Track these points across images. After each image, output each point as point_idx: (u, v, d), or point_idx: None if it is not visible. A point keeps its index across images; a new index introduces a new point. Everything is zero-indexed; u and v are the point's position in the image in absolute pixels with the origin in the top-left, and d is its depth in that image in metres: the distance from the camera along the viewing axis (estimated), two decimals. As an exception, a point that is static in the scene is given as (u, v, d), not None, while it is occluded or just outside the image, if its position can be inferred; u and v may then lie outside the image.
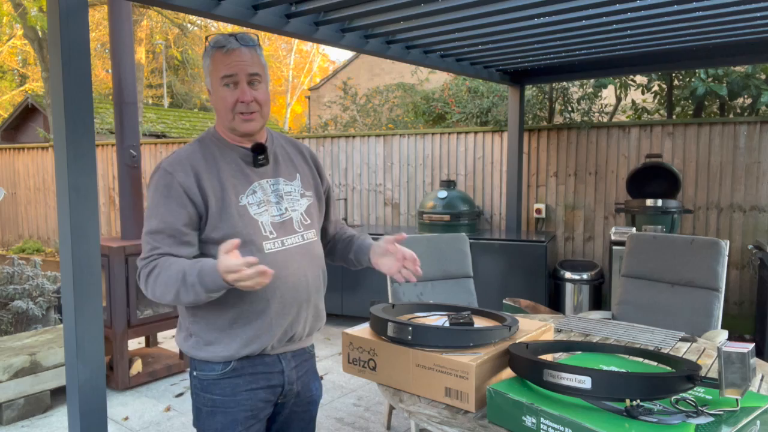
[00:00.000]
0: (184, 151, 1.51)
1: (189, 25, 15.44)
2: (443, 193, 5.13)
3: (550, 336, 1.94)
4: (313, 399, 1.69)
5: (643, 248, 3.05)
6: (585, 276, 4.73)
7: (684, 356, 2.08)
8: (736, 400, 1.36)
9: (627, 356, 1.83)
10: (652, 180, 4.67)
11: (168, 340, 4.73)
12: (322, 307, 1.66)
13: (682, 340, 2.30)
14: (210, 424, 1.51)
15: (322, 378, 3.89)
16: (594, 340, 2.20)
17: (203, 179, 1.45)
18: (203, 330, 1.49)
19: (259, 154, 1.52)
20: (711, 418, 1.33)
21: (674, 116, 5.81)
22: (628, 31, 3.49)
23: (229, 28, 13.29)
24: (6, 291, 4.23)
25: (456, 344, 1.67)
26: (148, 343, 4.37)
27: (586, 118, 5.59)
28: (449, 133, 5.91)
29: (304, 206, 1.60)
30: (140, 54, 11.29)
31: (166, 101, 22.09)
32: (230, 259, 1.27)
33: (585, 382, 1.34)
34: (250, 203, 1.49)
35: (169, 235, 1.42)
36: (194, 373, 1.52)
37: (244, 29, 2.85)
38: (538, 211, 5.48)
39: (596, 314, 3.07)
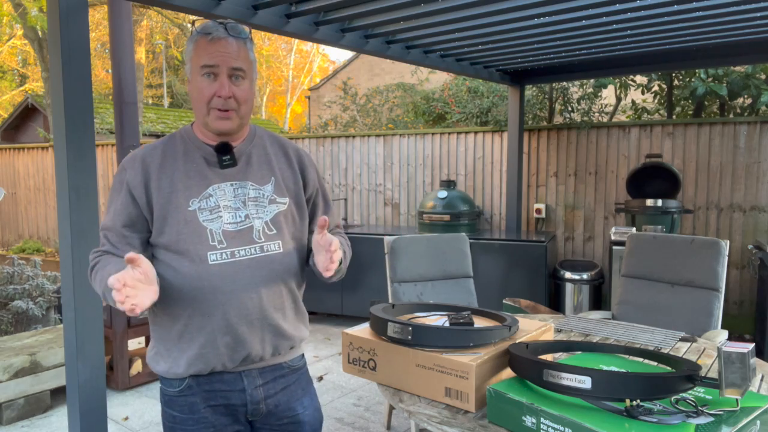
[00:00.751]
0: (147, 147, 1.43)
1: (189, 25, 15.45)
2: (443, 193, 5.13)
3: (550, 336, 1.94)
4: (299, 419, 1.50)
5: (643, 248, 3.05)
6: (585, 276, 4.73)
7: (684, 356, 2.08)
8: (736, 400, 1.36)
9: (627, 356, 1.83)
10: (652, 180, 4.67)
11: (168, 340, 4.74)
12: (287, 327, 1.45)
13: (682, 340, 2.30)
14: None
15: (321, 378, 3.88)
16: (594, 340, 2.20)
17: (152, 180, 1.36)
18: (158, 341, 1.42)
19: (223, 154, 1.39)
20: (711, 418, 1.33)
21: (674, 116, 5.81)
22: (628, 31, 3.49)
23: (229, 28, 13.28)
24: (6, 291, 4.23)
25: (456, 344, 1.67)
26: (148, 343, 4.37)
27: (586, 118, 5.59)
28: (449, 133, 5.91)
29: (271, 214, 1.42)
30: (140, 54, 11.29)
31: (166, 101, 22.09)
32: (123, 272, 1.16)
33: (585, 382, 1.34)
34: (201, 208, 1.36)
35: (114, 234, 1.37)
36: (160, 386, 1.46)
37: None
38: (538, 211, 5.48)
39: (596, 314, 3.07)
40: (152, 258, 1.38)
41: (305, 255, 1.52)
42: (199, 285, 1.34)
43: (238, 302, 1.36)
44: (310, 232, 1.54)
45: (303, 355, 1.59)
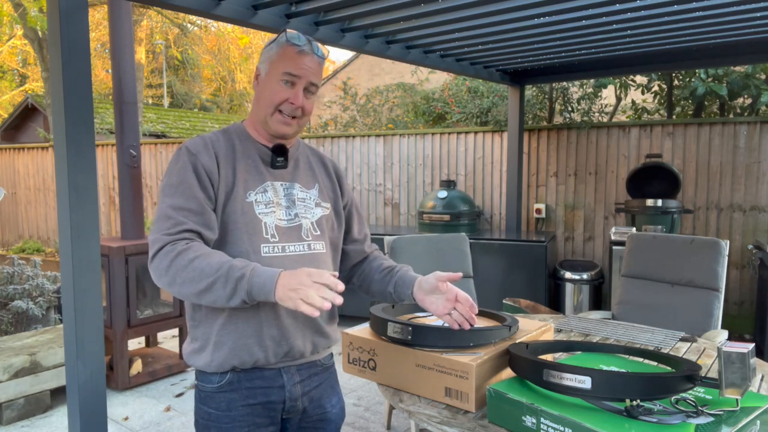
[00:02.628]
0: (207, 136, 1.44)
1: (189, 25, 15.43)
2: (443, 193, 5.13)
3: (550, 336, 1.94)
4: (327, 417, 1.54)
5: (643, 248, 3.05)
6: (585, 276, 4.73)
7: (684, 356, 2.08)
8: (736, 400, 1.36)
9: (627, 356, 1.83)
10: (652, 180, 4.67)
11: (168, 340, 4.73)
12: (325, 326, 1.51)
13: (682, 340, 2.30)
14: None
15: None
16: (594, 340, 2.20)
17: (221, 166, 1.39)
18: (200, 334, 1.40)
19: (278, 155, 1.46)
20: (711, 418, 1.33)
21: (674, 116, 5.81)
22: (628, 31, 3.49)
23: (229, 27, 13.28)
24: (6, 291, 4.23)
25: (456, 344, 1.67)
26: (148, 343, 4.37)
27: (586, 118, 5.59)
28: (449, 133, 5.91)
29: (317, 216, 1.49)
30: (140, 54, 11.29)
31: (166, 101, 22.09)
32: (313, 269, 1.21)
33: (585, 382, 1.34)
34: (257, 201, 1.41)
35: (195, 213, 1.33)
36: (196, 382, 1.45)
37: (244, 29, 2.85)
38: (538, 211, 5.48)
39: (596, 314, 3.07)
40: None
41: (339, 261, 1.62)
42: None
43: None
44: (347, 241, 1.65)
45: (332, 354, 1.64)
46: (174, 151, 7.54)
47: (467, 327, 1.52)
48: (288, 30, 1.43)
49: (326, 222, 1.52)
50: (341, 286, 1.21)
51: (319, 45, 1.45)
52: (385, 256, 1.77)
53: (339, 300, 1.19)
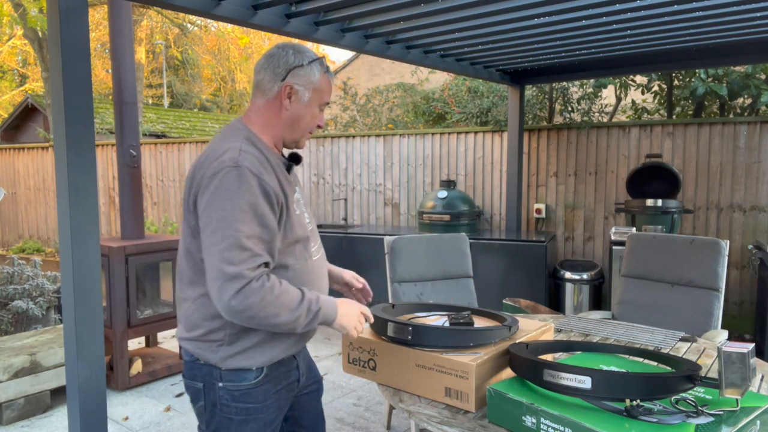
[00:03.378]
0: (250, 151, 1.40)
1: (189, 25, 15.44)
2: (443, 193, 5.13)
3: (550, 336, 1.94)
4: (317, 378, 1.74)
5: (643, 248, 3.05)
6: (585, 276, 4.73)
7: (684, 356, 2.08)
8: (736, 400, 1.36)
9: (627, 356, 1.83)
10: (652, 180, 4.67)
11: (168, 340, 4.73)
12: None
13: (682, 340, 2.30)
14: (243, 431, 1.47)
15: (322, 378, 3.88)
16: (594, 340, 2.20)
17: (278, 185, 1.41)
18: (244, 339, 1.44)
19: (296, 163, 1.55)
20: (711, 418, 1.33)
21: (674, 116, 5.81)
22: (628, 31, 3.49)
23: (229, 28, 13.28)
24: (6, 291, 4.23)
25: (456, 344, 1.67)
26: (148, 343, 4.37)
27: (586, 118, 5.59)
28: (449, 133, 5.91)
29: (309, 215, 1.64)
30: (140, 54, 11.29)
31: (166, 101, 22.09)
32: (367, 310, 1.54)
33: (585, 382, 1.34)
34: (300, 211, 1.51)
35: (268, 242, 1.36)
36: (219, 384, 1.44)
37: (244, 29, 2.85)
38: (538, 211, 5.48)
39: (596, 314, 3.07)
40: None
41: None
42: (304, 279, 1.49)
43: (323, 291, 1.58)
44: None
45: None
46: (174, 151, 7.47)
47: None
48: (314, 56, 1.50)
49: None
50: (371, 319, 1.59)
51: None
52: None
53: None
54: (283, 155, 1.54)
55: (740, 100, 5.64)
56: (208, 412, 1.48)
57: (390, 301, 3.18)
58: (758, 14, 3.09)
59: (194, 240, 1.42)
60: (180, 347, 1.53)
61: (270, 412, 1.50)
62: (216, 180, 1.34)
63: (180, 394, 3.66)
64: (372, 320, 1.58)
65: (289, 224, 1.44)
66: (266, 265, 1.36)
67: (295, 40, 2.56)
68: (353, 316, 1.49)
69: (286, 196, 1.43)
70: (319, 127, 1.54)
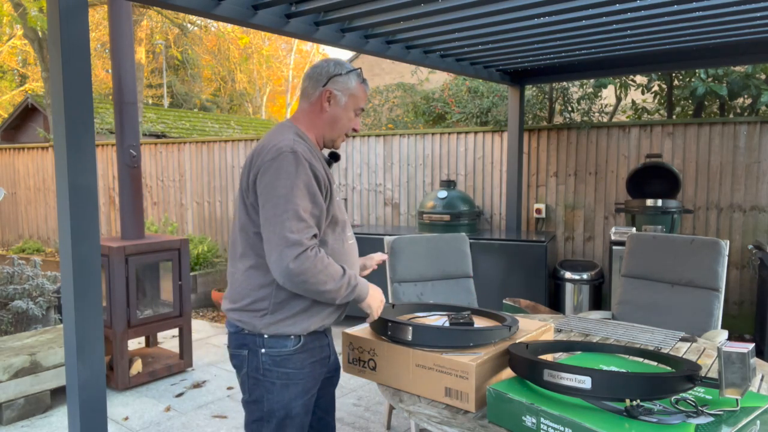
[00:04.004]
0: (302, 141, 1.64)
1: (189, 25, 15.43)
2: (443, 193, 5.13)
3: (550, 336, 1.94)
4: (337, 365, 1.88)
5: (643, 248, 3.05)
6: (585, 276, 4.73)
7: (684, 356, 2.08)
8: (736, 400, 1.36)
9: (627, 356, 1.83)
10: (652, 180, 4.67)
11: (168, 340, 4.73)
12: None
13: (682, 340, 2.30)
14: (285, 395, 1.64)
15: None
16: (594, 340, 2.20)
17: (325, 172, 1.65)
18: (286, 308, 1.62)
19: (335, 160, 1.79)
20: (711, 418, 1.33)
21: (674, 116, 5.81)
22: (628, 31, 3.49)
23: (229, 28, 13.27)
24: (6, 291, 4.23)
25: (456, 344, 1.67)
26: (148, 343, 4.37)
27: (586, 118, 5.58)
28: (449, 133, 5.91)
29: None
30: (140, 54, 11.28)
31: (166, 101, 22.08)
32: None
33: (585, 382, 1.35)
34: (339, 200, 1.72)
35: (317, 219, 1.59)
36: (262, 351, 1.63)
37: (244, 29, 2.86)
38: (538, 211, 5.48)
39: (596, 314, 3.07)
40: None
41: None
42: (340, 258, 1.68)
43: (357, 272, 1.77)
44: None
45: None
46: (174, 151, 7.45)
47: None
48: (349, 66, 1.74)
49: None
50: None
51: None
52: None
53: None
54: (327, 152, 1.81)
55: (740, 100, 5.64)
56: (252, 379, 1.65)
57: (390, 301, 3.18)
58: (758, 14, 3.09)
59: (249, 218, 1.63)
60: (227, 321, 1.74)
61: (308, 380, 1.67)
62: (276, 163, 1.55)
63: (180, 394, 3.66)
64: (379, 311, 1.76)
65: (332, 207, 1.65)
66: (316, 237, 1.58)
67: (295, 41, 2.56)
68: (378, 299, 1.72)
69: (331, 183, 1.66)
70: (354, 130, 1.76)
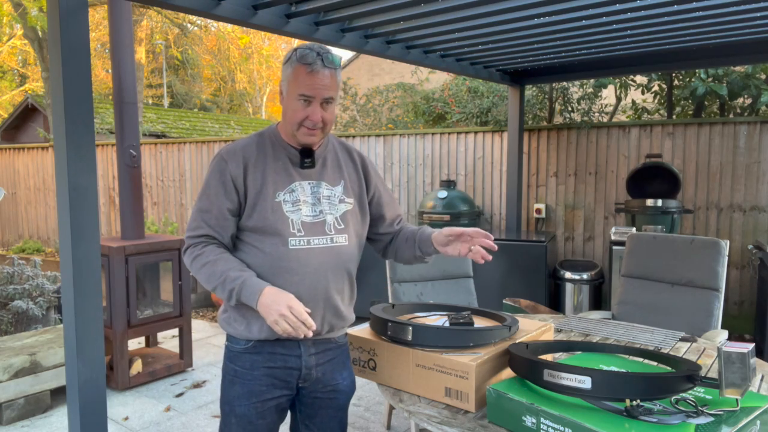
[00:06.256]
0: (242, 142, 1.63)
1: (189, 25, 15.43)
2: (443, 193, 5.13)
3: (550, 336, 1.94)
4: (339, 388, 1.72)
5: (643, 248, 3.05)
6: (585, 276, 4.73)
7: (684, 356, 2.08)
8: (736, 400, 1.36)
9: (627, 356, 1.83)
10: (652, 180, 4.67)
11: (168, 340, 4.73)
12: (344, 309, 1.68)
13: (682, 340, 2.30)
14: (230, 391, 1.64)
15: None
16: (594, 340, 2.20)
17: (249, 172, 1.58)
18: (235, 310, 1.62)
19: (306, 157, 1.62)
20: (711, 418, 1.33)
21: (674, 116, 5.81)
22: (628, 31, 3.49)
23: (229, 28, 13.27)
24: (6, 291, 4.23)
25: (456, 344, 1.67)
26: (148, 343, 4.37)
27: (586, 118, 5.58)
28: (449, 133, 5.90)
29: (341, 212, 1.66)
30: (140, 54, 11.28)
31: (166, 101, 22.08)
32: (296, 301, 1.48)
33: (585, 382, 1.34)
34: (285, 200, 1.59)
35: (214, 216, 1.57)
36: (226, 344, 1.67)
37: (244, 29, 2.85)
38: (538, 211, 5.48)
39: (596, 314, 3.07)
40: (238, 240, 1.62)
41: (362, 248, 1.77)
42: (279, 265, 1.56)
43: (309, 283, 1.58)
44: (376, 231, 1.83)
45: (346, 333, 1.81)
46: (174, 151, 7.48)
47: (488, 257, 1.63)
48: (300, 48, 1.54)
49: (351, 216, 1.69)
50: (313, 327, 1.48)
51: (331, 53, 1.55)
52: (407, 223, 1.93)
53: (304, 334, 1.48)
54: (298, 149, 1.64)
55: (740, 100, 5.64)
56: (223, 368, 1.68)
57: (390, 301, 3.18)
58: (758, 14, 3.09)
59: None
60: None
61: (257, 383, 1.60)
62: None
63: (180, 394, 3.66)
64: (313, 327, 1.47)
65: (260, 207, 1.56)
66: (207, 237, 1.58)
67: (295, 41, 2.56)
68: (273, 310, 1.45)
69: (264, 183, 1.57)
70: (311, 121, 1.53)
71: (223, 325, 1.66)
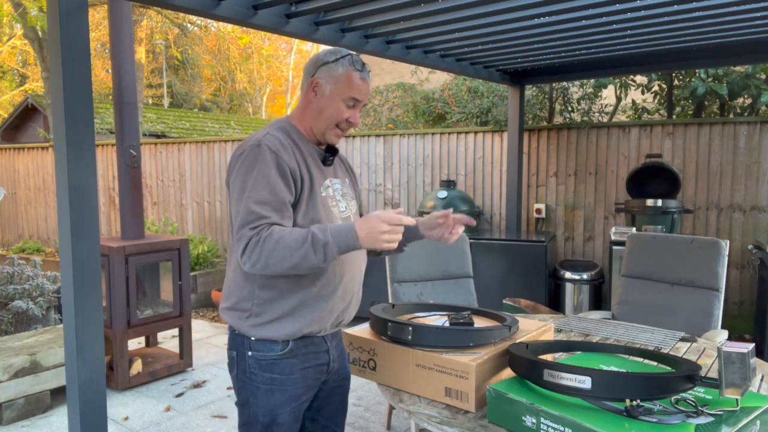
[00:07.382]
0: (276, 134, 1.55)
1: (189, 25, 15.43)
2: (443, 193, 5.13)
3: (550, 336, 1.94)
4: (347, 374, 1.80)
5: (643, 248, 3.05)
6: (585, 276, 4.73)
7: (684, 356, 2.08)
8: (736, 400, 1.36)
9: (627, 356, 1.83)
10: (652, 180, 4.67)
11: (168, 340, 4.73)
12: (359, 300, 1.76)
13: (682, 340, 2.30)
14: (269, 401, 1.58)
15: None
16: (594, 340, 2.20)
17: (300, 165, 1.55)
18: (269, 310, 1.55)
19: (332, 154, 1.67)
20: (711, 418, 1.33)
21: (674, 116, 5.81)
22: (628, 31, 3.49)
23: (229, 28, 13.27)
24: (6, 291, 4.23)
25: (456, 344, 1.67)
26: (148, 343, 4.37)
27: (586, 118, 5.58)
28: (449, 133, 5.90)
29: (355, 208, 1.74)
30: (140, 54, 11.28)
31: (166, 101, 22.08)
32: (385, 214, 1.41)
33: (585, 382, 1.35)
34: (327, 195, 1.61)
35: (276, 208, 1.47)
36: (249, 353, 1.57)
37: (244, 29, 2.85)
38: (538, 211, 5.48)
39: (596, 314, 3.07)
40: None
41: None
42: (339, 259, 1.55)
43: (350, 277, 1.64)
44: None
45: None
46: (174, 150, 7.45)
47: (457, 232, 1.70)
48: (345, 52, 1.60)
49: (358, 213, 1.78)
50: (408, 220, 1.43)
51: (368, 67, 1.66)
52: None
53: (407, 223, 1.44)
54: (321, 147, 1.66)
55: (740, 100, 5.64)
56: (240, 381, 1.60)
57: (390, 301, 3.18)
58: (758, 14, 3.09)
59: (230, 215, 1.59)
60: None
61: (296, 386, 1.59)
62: (241, 159, 1.52)
63: (180, 394, 3.66)
64: (410, 222, 1.44)
65: (312, 202, 1.55)
66: (272, 224, 1.46)
67: (296, 40, 2.56)
68: (375, 231, 1.39)
69: (311, 177, 1.56)
70: (350, 123, 1.60)
71: (252, 332, 1.56)
